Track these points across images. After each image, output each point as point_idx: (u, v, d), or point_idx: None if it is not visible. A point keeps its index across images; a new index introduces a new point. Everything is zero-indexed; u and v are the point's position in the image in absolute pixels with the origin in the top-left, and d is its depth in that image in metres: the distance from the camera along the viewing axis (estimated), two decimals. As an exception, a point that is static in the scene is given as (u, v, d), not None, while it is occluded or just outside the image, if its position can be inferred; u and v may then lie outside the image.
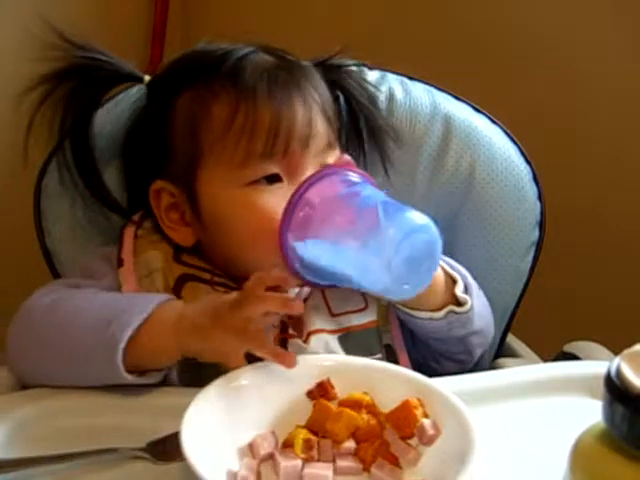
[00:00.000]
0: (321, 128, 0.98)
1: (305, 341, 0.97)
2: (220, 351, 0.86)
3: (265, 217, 0.92)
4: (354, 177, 0.92)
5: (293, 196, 0.89)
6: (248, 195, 0.95)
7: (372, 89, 1.13)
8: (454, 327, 0.99)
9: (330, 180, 0.91)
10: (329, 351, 0.97)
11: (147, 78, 1.06)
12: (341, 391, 0.85)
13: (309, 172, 0.95)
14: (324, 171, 0.92)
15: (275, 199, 0.93)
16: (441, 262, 0.98)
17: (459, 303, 0.99)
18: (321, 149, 0.98)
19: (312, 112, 0.97)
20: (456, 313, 0.98)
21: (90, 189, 1.06)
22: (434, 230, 0.83)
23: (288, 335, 0.98)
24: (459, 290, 0.99)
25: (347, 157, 1.03)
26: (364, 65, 1.13)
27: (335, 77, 1.09)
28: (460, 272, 1.01)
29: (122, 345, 0.87)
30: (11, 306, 0.96)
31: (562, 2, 1.57)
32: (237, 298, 0.87)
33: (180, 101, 0.99)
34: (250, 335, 0.85)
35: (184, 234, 1.01)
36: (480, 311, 1.01)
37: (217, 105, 0.96)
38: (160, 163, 1.01)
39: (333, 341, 0.98)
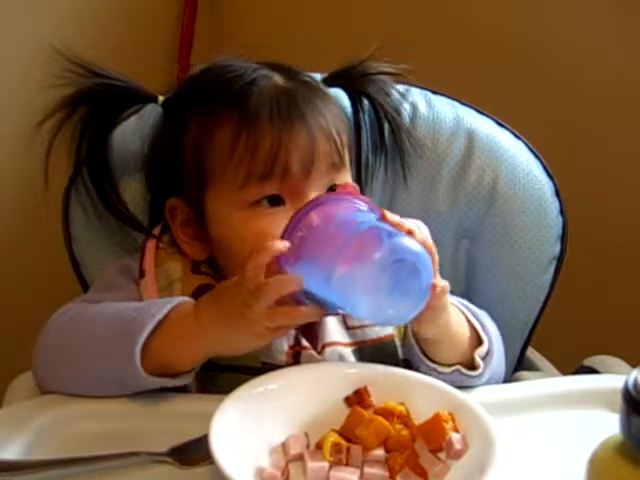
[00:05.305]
0: (324, 151, 0.98)
1: (319, 353, 0.98)
2: (244, 332, 0.87)
3: (263, 239, 0.90)
4: (355, 204, 0.92)
5: (290, 222, 0.89)
6: (248, 217, 0.96)
7: (397, 95, 1.14)
8: (455, 384, 0.94)
9: (329, 206, 0.90)
10: None
11: (161, 98, 1.08)
12: (378, 400, 0.87)
13: (312, 195, 0.95)
14: (324, 197, 0.93)
15: (275, 222, 0.93)
16: (473, 320, 0.98)
17: (473, 365, 0.96)
18: (325, 171, 0.98)
19: (314, 136, 0.97)
20: (462, 374, 0.96)
21: (108, 209, 1.08)
22: (426, 258, 0.82)
23: (301, 347, 0.98)
24: (479, 354, 0.96)
25: (351, 184, 1.02)
26: (389, 73, 1.12)
27: (361, 86, 1.10)
28: (489, 335, 0.99)
29: (140, 343, 0.88)
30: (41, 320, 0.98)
31: (595, 22, 1.57)
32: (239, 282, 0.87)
33: (189, 124, 1.01)
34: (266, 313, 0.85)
35: (198, 249, 1.02)
36: (493, 375, 0.99)
37: (221, 130, 0.98)
38: (173, 182, 1.03)
39: (348, 354, 0.99)
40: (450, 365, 0.95)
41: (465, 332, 0.97)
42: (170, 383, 0.91)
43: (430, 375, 0.94)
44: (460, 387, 0.92)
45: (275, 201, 0.96)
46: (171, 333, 0.90)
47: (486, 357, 0.97)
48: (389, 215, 0.88)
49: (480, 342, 0.97)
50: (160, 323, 0.90)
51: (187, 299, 0.94)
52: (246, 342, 0.89)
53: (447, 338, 0.94)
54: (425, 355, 0.96)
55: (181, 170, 1.02)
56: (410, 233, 0.86)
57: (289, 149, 0.95)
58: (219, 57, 1.06)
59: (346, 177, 1.01)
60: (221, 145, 0.97)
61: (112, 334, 0.91)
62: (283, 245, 0.86)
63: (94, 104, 1.05)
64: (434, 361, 0.95)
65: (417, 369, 0.96)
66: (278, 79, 1.01)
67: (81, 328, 0.94)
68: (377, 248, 0.81)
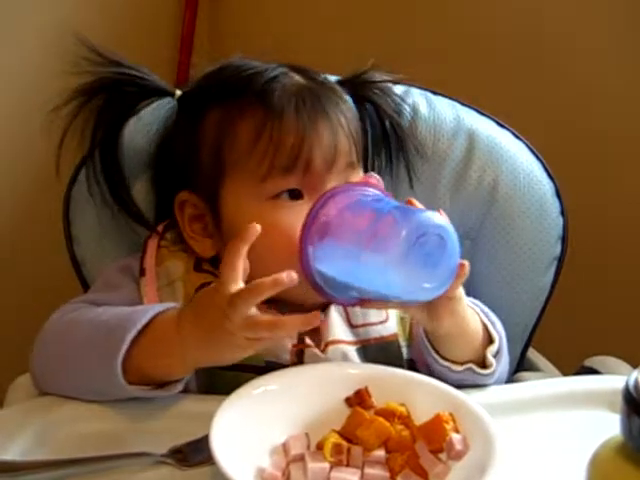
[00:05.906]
0: (344, 149, 0.99)
1: (323, 351, 0.98)
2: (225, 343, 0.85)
3: (283, 232, 0.93)
4: (372, 191, 0.94)
5: (312, 208, 0.91)
6: (268, 210, 0.96)
7: (399, 101, 1.14)
8: (466, 382, 0.96)
9: (348, 193, 0.93)
10: None
11: (178, 92, 1.08)
12: (379, 400, 0.87)
13: None
14: (343, 186, 0.95)
15: (295, 216, 0.94)
16: (484, 318, 0.99)
17: (484, 364, 0.97)
18: (343, 168, 0.99)
19: (336, 134, 0.98)
20: (475, 372, 0.96)
21: (117, 201, 1.07)
22: (451, 230, 0.84)
23: (305, 345, 0.98)
24: (490, 352, 0.97)
25: (374, 175, 1.04)
26: (390, 81, 1.13)
27: (365, 92, 1.11)
28: (499, 333, 1.00)
29: (121, 353, 0.88)
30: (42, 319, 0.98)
31: (597, 23, 1.57)
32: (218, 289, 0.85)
33: (209, 117, 1.01)
34: (251, 320, 0.83)
35: (205, 245, 1.02)
36: (499, 376, 0.99)
37: (244, 123, 0.98)
38: (186, 175, 1.03)
39: (351, 352, 0.99)
40: (462, 363, 0.96)
41: (478, 328, 0.97)
42: (153, 394, 0.91)
43: (443, 374, 0.95)
44: (469, 387, 0.92)
45: (295, 195, 0.97)
46: (152, 342, 0.89)
47: (497, 355, 0.98)
48: (415, 202, 0.92)
49: (490, 340, 0.98)
50: (143, 330, 0.89)
51: (174, 305, 0.94)
52: (227, 355, 0.87)
53: (462, 333, 0.95)
54: (438, 353, 0.96)
55: (196, 163, 1.01)
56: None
57: (312, 144, 0.96)
58: (234, 56, 1.06)
59: (359, 176, 1.02)
60: (244, 137, 0.97)
61: (97, 343, 0.91)
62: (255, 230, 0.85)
63: (111, 94, 1.05)
64: (447, 359, 0.96)
65: (427, 368, 0.97)
66: (299, 78, 1.02)
67: (74, 335, 0.94)
68: (404, 224, 0.83)
